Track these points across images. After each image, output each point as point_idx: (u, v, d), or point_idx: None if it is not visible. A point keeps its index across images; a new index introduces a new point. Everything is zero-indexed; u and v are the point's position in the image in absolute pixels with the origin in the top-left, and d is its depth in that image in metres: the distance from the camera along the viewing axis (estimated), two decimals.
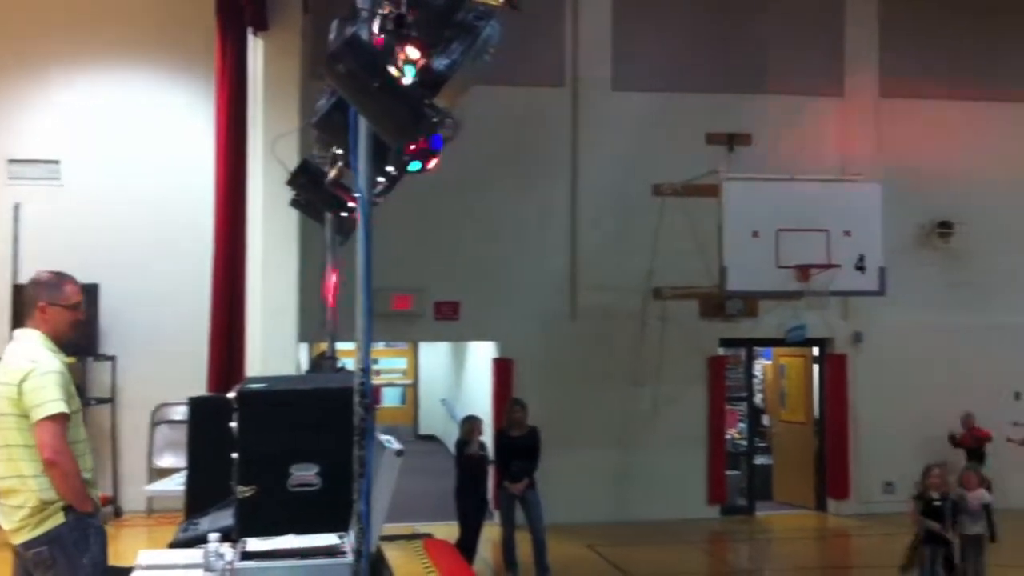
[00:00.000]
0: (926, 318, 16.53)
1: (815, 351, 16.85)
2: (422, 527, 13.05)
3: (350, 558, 4.54)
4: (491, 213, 15.54)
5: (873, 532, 10.73)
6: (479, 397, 16.82)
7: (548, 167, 15.85)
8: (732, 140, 15.97)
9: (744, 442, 16.79)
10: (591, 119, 16.02)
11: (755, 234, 14.18)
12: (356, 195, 4.54)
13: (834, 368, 16.55)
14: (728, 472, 16.31)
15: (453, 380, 22.71)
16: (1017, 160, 16.99)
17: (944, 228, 16.61)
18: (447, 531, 12.33)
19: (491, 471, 12.52)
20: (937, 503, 11.49)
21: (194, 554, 4.91)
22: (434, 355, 24.05)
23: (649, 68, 16.12)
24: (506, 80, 14.89)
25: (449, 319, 15.61)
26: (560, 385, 15.43)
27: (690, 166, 15.32)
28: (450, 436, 17.65)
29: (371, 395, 4.55)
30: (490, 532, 12.77)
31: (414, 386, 25.47)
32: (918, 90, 16.78)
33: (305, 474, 5.22)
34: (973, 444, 15.18)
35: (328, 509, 5.06)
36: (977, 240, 16.74)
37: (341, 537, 4.86)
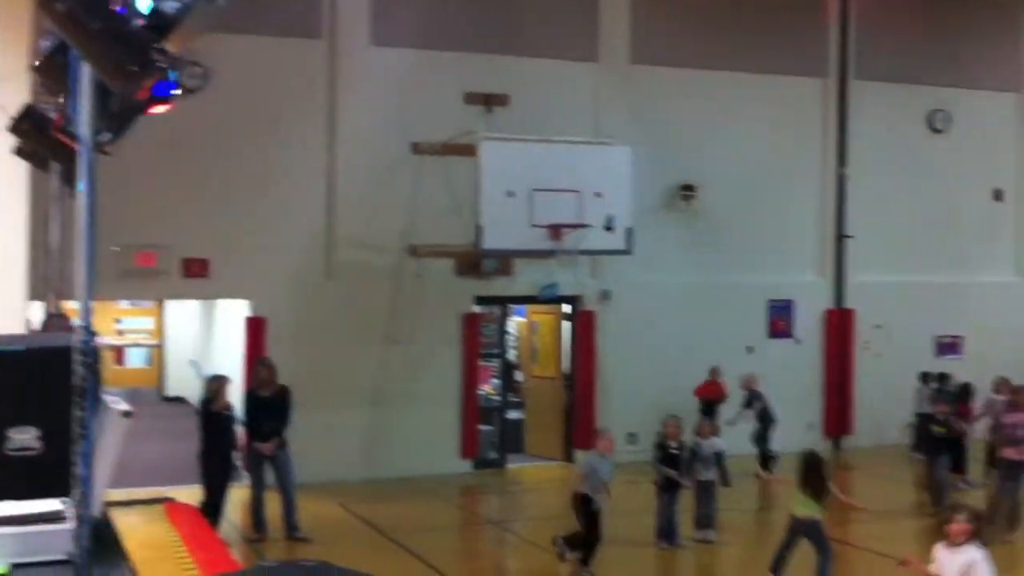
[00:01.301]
0: (669, 277, 17.37)
1: (566, 308, 17.36)
2: (168, 491, 12.59)
3: (72, 524, 4.33)
4: (244, 167, 15.06)
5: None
6: (231, 358, 16.37)
7: (304, 121, 15.50)
8: (490, 100, 16.13)
9: (497, 397, 17.15)
10: (349, 74, 15.78)
11: (510, 194, 14.45)
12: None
13: (583, 325, 17.12)
14: (481, 427, 16.63)
15: (203, 340, 22.00)
16: (757, 128, 18.03)
17: (687, 191, 17.44)
18: (192, 495, 11.97)
19: (239, 432, 12.22)
20: (674, 451, 12.16)
21: None
22: (183, 314, 23.21)
23: (409, 24, 15.99)
24: (260, 30, 14.50)
25: (198, 276, 15.08)
26: (315, 344, 15.24)
27: (449, 125, 15.43)
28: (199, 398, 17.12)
29: (94, 354, 4.32)
30: (239, 494, 12.50)
31: (160, 347, 24.50)
32: (667, 58, 17.48)
33: (23, 437, 4.93)
34: (712, 396, 16.01)
35: (50, 474, 4.79)
36: (718, 203, 17.68)
37: (64, 503, 4.62)
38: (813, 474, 10.03)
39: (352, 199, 15.69)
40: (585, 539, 11.00)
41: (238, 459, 12.30)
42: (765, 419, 15.90)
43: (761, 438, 15.88)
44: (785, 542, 10.11)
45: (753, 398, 16.07)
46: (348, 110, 15.73)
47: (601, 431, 12.35)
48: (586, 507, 10.98)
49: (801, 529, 10.01)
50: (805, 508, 9.98)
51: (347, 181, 15.71)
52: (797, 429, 16.72)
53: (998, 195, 19.76)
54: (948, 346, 19.13)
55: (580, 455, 16.93)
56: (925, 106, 19.19)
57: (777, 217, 18.23)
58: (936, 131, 19.23)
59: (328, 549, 11.48)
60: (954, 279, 19.21)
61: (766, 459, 15.74)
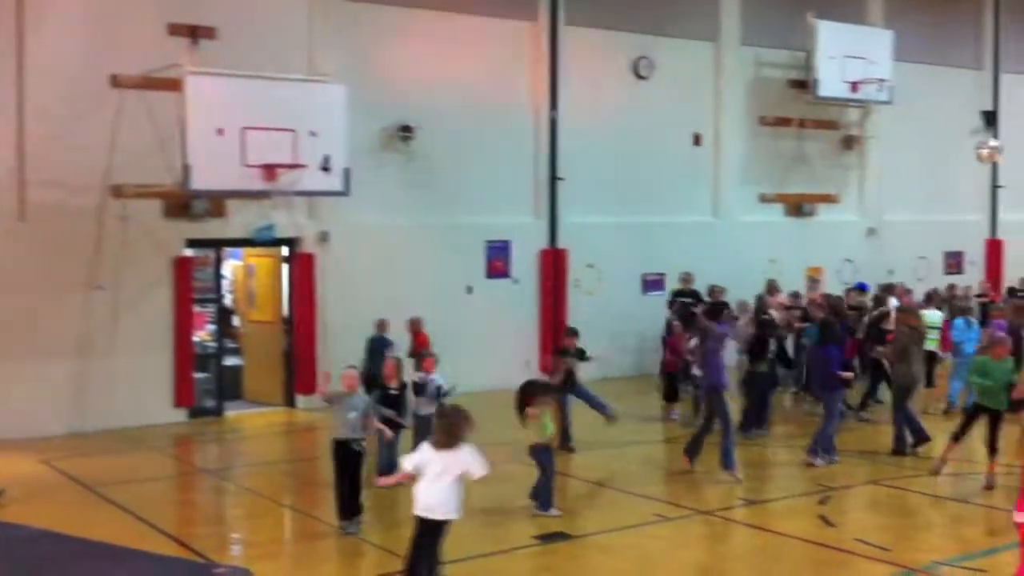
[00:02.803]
0: (389, 218, 17.34)
1: (284, 251, 16.96)
2: None
3: None
4: None
5: None
6: None
7: None
8: (195, 32, 15.37)
9: (213, 344, 16.57)
10: (39, 1, 14.60)
11: (220, 131, 13.86)
12: None
13: (302, 267, 16.81)
14: (196, 375, 16.06)
15: None
16: (472, 69, 18.18)
17: (405, 132, 17.39)
18: None
19: None
20: (393, 392, 12.16)
21: None
22: None
23: None
24: None
25: None
26: (8, 291, 14.18)
27: (151, 58, 14.59)
28: None
29: None
30: None
31: None
32: None
33: None
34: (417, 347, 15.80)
35: None
36: (436, 144, 17.74)
37: None
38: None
39: (45, 136, 14.62)
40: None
41: None
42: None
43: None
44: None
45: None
46: (38, 41, 14.56)
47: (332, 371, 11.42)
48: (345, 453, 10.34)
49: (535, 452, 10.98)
50: (542, 433, 10.90)
51: (38, 117, 14.61)
52: (515, 366, 17.16)
53: (697, 140, 20.92)
54: (653, 283, 20.17)
55: (303, 400, 16.79)
56: (630, 53, 19.98)
57: (494, 159, 18.53)
58: (641, 77, 20.08)
59: (25, 508, 10.79)
60: (658, 220, 20.23)
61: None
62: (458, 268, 18.13)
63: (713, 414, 12.61)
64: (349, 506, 10.31)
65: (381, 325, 15.09)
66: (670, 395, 16.36)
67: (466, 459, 7.94)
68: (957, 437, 12.15)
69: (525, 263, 18.98)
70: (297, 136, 14.63)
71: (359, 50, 16.98)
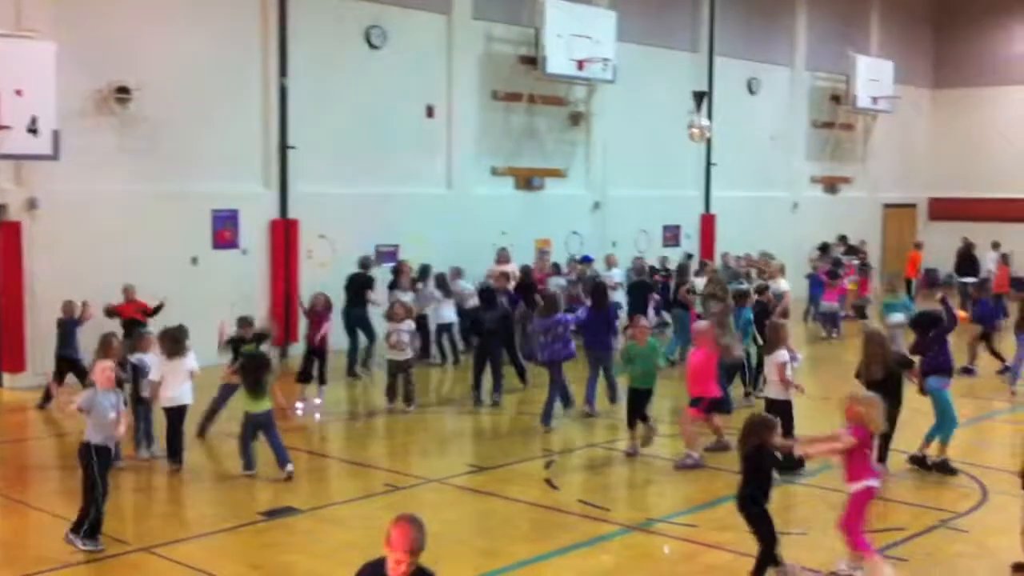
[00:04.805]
0: (106, 185, 16.37)
1: None
2: None
3: None
4: None
5: None
6: None
7: None
8: None
9: None
10: None
11: None
12: None
13: (8, 237, 15.58)
14: None
15: None
16: (197, 33, 17.36)
17: (122, 93, 16.42)
18: None
19: None
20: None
21: None
22: None
23: None
24: None
25: None
26: None
27: None
28: None
29: None
30: None
31: None
32: None
33: None
34: (134, 315, 15.06)
35: None
36: (158, 108, 16.86)
37: None
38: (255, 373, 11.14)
39: None
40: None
41: None
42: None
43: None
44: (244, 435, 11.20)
45: None
46: None
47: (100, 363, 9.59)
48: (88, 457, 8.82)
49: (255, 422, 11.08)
50: (257, 405, 11.08)
51: None
52: None
53: (431, 112, 20.96)
54: (388, 255, 20.07)
55: (8, 378, 15.66)
56: (363, 21, 19.73)
57: (222, 125, 17.84)
58: (373, 47, 19.89)
59: None
60: (392, 191, 20.17)
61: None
62: (183, 238, 17.38)
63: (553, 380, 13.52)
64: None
65: (68, 308, 14.25)
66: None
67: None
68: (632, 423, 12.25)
69: (255, 234, 18.45)
70: (0, 95, 13.62)
71: (72, 5, 15.87)
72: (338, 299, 16.70)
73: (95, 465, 8.72)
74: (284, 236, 18.69)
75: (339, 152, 19.34)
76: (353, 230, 19.34)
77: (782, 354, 11.34)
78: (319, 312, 14.99)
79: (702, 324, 12.81)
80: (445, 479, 11.19)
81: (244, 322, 13.17)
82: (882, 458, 10.85)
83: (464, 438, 13.70)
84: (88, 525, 8.74)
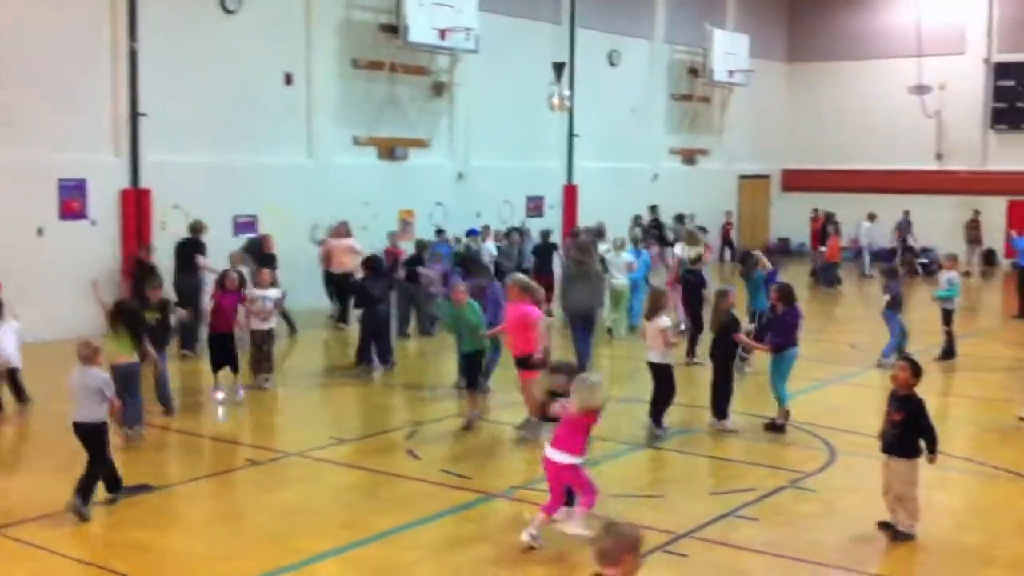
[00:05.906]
0: None
1: None
2: None
3: None
4: None
5: None
6: None
7: None
8: None
9: None
10: None
11: None
12: None
13: None
14: None
15: None
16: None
17: None
18: None
19: None
20: None
21: None
22: None
23: None
24: None
25: None
26: None
27: None
28: None
29: None
30: None
31: None
32: None
33: None
34: None
35: None
36: None
37: None
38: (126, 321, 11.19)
39: None
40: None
41: None
42: None
43: None
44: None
45: None
46: None
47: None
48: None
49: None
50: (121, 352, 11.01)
51: None
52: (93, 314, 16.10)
53: (289, 79, 20.49)
54: (246, 225, 19.62)
55: None
56: None
57: (68, 91, 17.07)
58: (228, 11, 19.29)
59: None
60: (250, 160, 19.68)
61: None
62: (26, 208, 16.61)
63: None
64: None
65: None
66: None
67: None
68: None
69: (104, 203, 17.75)
70: None
71: None
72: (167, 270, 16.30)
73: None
74: (136, 206, 18.04)
75: (194, 120, 18.72)
76: (209, 201, 18.73)
77: (663, 320, 11.57)
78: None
79: (516, 276, 12.64)
80: (306, 452, 11.03)
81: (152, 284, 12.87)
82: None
83: (326, 410, 13.53)
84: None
